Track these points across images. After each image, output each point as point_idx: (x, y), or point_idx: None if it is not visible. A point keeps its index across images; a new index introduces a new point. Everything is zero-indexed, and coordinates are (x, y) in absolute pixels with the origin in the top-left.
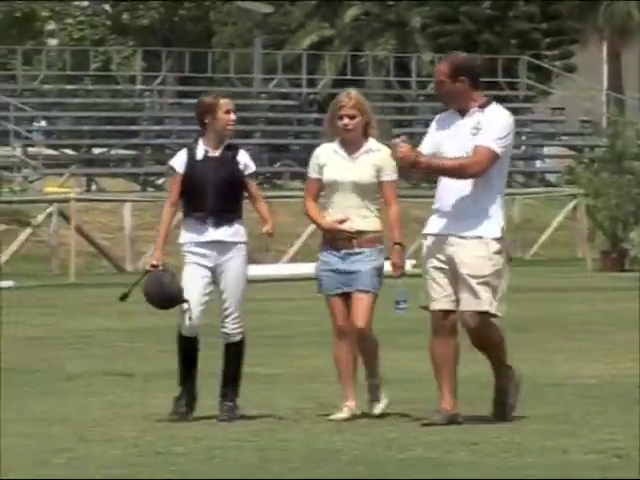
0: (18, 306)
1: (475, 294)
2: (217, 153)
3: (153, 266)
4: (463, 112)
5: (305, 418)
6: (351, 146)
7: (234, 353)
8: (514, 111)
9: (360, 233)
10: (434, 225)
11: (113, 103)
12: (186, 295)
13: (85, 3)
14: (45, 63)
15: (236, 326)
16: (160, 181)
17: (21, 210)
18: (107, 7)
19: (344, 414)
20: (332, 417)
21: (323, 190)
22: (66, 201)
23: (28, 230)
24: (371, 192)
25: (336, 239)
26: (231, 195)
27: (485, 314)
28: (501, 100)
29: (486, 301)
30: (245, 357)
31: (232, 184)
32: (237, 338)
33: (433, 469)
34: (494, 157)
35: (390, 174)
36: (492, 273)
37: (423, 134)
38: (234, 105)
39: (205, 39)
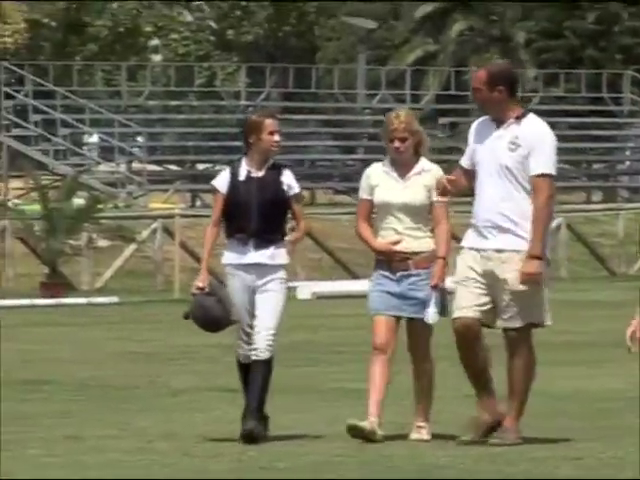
0: (122, 322)
1: (521, 308)
2: (260, 173)
3: (199, 289)
4: (499, 122)
5: (407, 433)
6: (403, 167)
7: (261, 371)
8: (618, 126)
9: (414, 254)
10: (471, 239)
11: (217, 119)
12: (236, 314)
13: (189, 18)
14: (149, 79)
15: (267, 343)
16: None
17: (125, 226)
18: (211, 23)
19: (366, 424)
20: (350, 421)
21: (374, 211)
22: (171, 217)
23: (133, 246)
24: (423, 213)
25: (391, 261)
26: (274, 217)
27: (528, 327)
28: (605, 115)
29: (533, 313)
30: (271, 378)
31: (275, 205)
32: (266, 355)
33: None
34: (553, 181)
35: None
36: (531, 285)
37: None
38: (279, 125)
39: (309, 55)
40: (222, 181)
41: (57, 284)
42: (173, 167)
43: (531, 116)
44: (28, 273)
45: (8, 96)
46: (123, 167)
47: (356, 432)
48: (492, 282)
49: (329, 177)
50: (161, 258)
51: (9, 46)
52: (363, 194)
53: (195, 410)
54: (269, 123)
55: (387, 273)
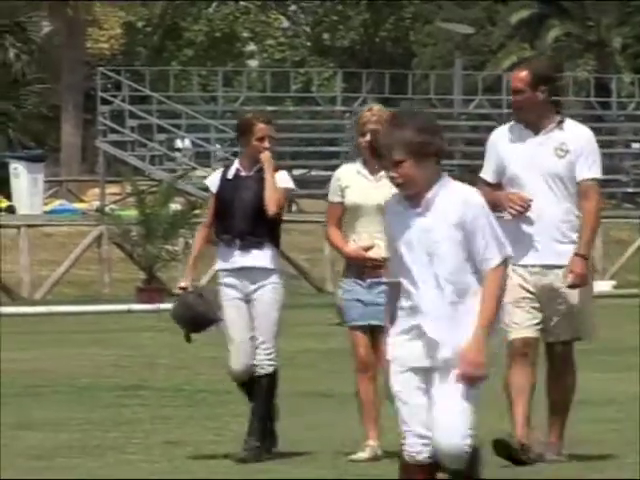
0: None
1: (571, 321)
2: (249, 173)
3: (181, 288)
4: (535, 128)
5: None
6: (375, 167)
7: (264, 386)
8: None
9: (387, 259)
10: (515, 254)
11: (313, 124)
12: (230, 335)
13: (286, 24)
14: (245, 84)
15: (267, 357)
16: None
17: None
18: (307, 28)
19: (366, 454)
20: (353, 457)
21: (345, 214)
22: None
23: None
24: None
25: (362, 267)
26: (260, 218)
27: (573, 341)
28: None
29: (584, 328)
30: (277, 392)
31: (260, 206)
32: (268, 370)
33: None
34: (600, 184)
35: None
36: (582, 299)
37: (624, 154)
38: (273, 129)
39: (405, 60)
40: (213, 180)
41: (154, 289)
42: None
43: (570, 121)
44: (125, 278)
45: (104, 101)
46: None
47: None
48: (548, 297)
49: None
50: None
51: (105, 52)
52: (333, 197)
53: (292, 415)
54: (260, 128)
55: (358, 280)
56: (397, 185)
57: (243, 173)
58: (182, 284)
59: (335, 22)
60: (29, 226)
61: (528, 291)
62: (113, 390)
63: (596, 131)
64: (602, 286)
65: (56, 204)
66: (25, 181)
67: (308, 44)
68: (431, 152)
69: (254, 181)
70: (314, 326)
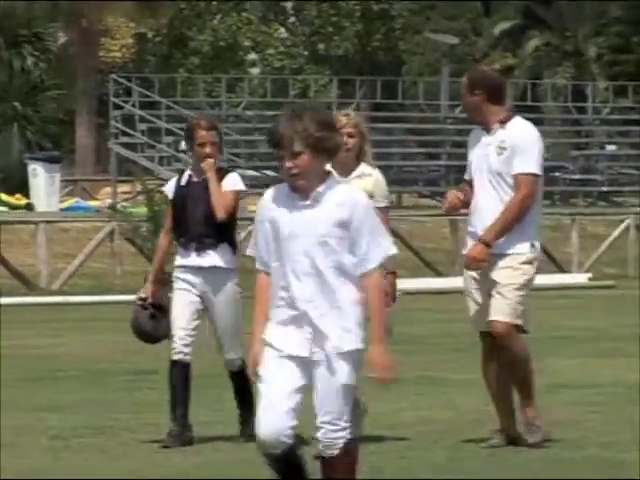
0: None
1: (502, 304)
2: (199, 179)
3: (141, 299)
4: (486, 129)
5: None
6: (343, 170)
7: (237, 381)
8: None
9: None
10: (469, 247)
11: None
12: (173, 320)
13: (285, 34)
14: (247, 90)
15: (233, 354)
16: None
17: None
18: (304, 38)
19: None
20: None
21: None
22: None
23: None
24: None
25: None
26: (213, 221)
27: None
28: None
29: (511, 312)
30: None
31: (212, 210)
32: (236, 366)
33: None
34: (537, 180)
35: (382, 200)
36: (521, 283)
37: (599, 156)
38: (216, 134)
39: (396, 68)
40: (169, 187)
41: (162, 281)
42: (269, 172)
43: (517, 119)
44: (135, 271)
45: (116, 106)
46: None
47: None
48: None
49: (414, 182)
50: None
51: (117, 60)
52: None
53: None
54: (200, 135)
55: None
56: (291, 176)
57: (194, 179)
58: (142, 295)
59: (330, 33)
60: (46, 222)
61: (475, 280)
62: (125, 374)
63: (573, 134)
64: (579, 278)
65: (71, 202)
66: (43, 180)
67: (305, 53)
68: (328, 147)
69: (204, 187)
70: None
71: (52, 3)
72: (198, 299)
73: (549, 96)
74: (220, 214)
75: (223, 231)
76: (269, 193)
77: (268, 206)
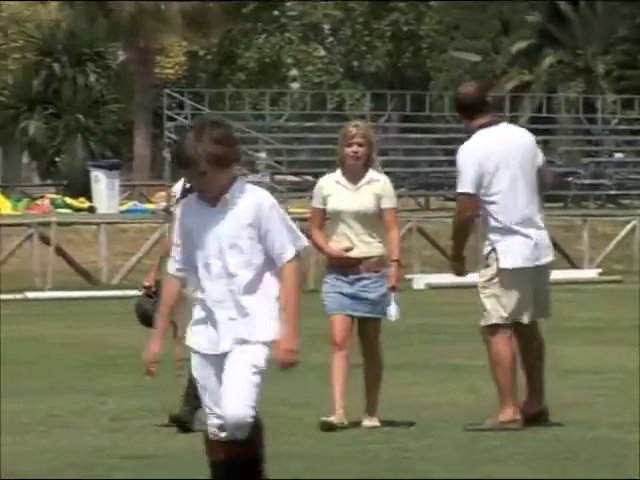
0: None
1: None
2: None
3: (146, 287)
4: None
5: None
6: (353, 177)
7: None
8: None
9: (365, 258)
10: None
11: None
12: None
13: (323, 53)
14: (289, 104)
15: None
16: None
17: None
18: (340, 56)
19: (335, 419)
20: (323, 419)
21: (326, 219)
22: (306, 220)
23: None
24: (373, 219)
25: (343, 265)
26: None
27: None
28: None
29: (483, 315)
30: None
31: None
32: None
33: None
34: (465, 197)
35: (390, 202)
36: (481, 284)
37: (607, 163)
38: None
39: (423, 83)
40: (178, 188)
41: None
42: (309, 178)
43: (477, 134)
44: None
45: (170, 118)
46: (267, 178)
47: (329, 428)
48: None
49: (440, 186)
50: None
51: (170, 76)
52: (316, 203)
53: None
54: None
55: (340, 276)
56: (200, 190)
57: None
58: (146, 283)
59: (364, 51)
60: (107, 223)
61: None
62: (174, 361)
63: (584, 143)
64: (589, 273)
65: (130, 205)
66: (104, 185)
67: (341, 70)
68: (230, 161)
69: None
70: None
71: (113, 24)
72: None
73: (562, 108)
74: None
75: None
76: (182, 203)
77: (182, 214)
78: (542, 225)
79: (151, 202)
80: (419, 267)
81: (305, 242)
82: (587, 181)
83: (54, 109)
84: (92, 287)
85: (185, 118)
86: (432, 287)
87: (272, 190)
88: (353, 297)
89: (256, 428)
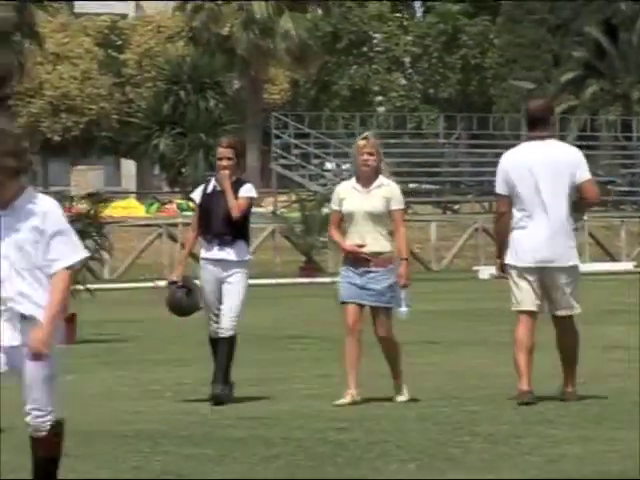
0: None
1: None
2: (221, 188)
3: (172, 282)
4: None
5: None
6: (366, 181)
7: (226, 346)
8: None
9: (375, 254)
10: None
11: (423, 152)
12: (205, 299)
13: (404, 82)
14: (375, 124)
15: (231, 323)
16: (456, 206)
17: None
18: (419, 84)
19: (347, 400)
20: (337, 402)
21: (343, 219)
22: None
23: None
24: (383, 219)
25: (356, 259)
26: (231, 222)
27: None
28: None
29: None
30: (234, 351)
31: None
32: (230, 333)
33: None
34: (498, 197)
35: (397, 204)
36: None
37: None
38: (232, 152)
39: (488, 107)
40: (197, 194)
41: (311, 268)
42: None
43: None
44: (291, 260)
45: (276, 137)
46: None
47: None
48: None
49: None
50: None
51: (277, 101)
52: (334, 206)
53: (407, 357)
54: (219, 151)
55: (352, 268)
56: None
57: (218, 188)
58: (173, 278)
59: (438, 80)
60: None
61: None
62: (283, 338)
63: (621, 157)
64: (626, 266)
65: None
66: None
67: (419, 96)
68: (17, 171)
69: (224, 195)
70: (423, 294)
71: (229, 58)
72: (219, 286)
73: (603, 128)
74: (234, 214)
75: (239, 230)
76: None
77: None
78: (563, 233)
79: (260, 206)
80: (484, 260)
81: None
82: (624, 188)
83: (180, 129)
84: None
85: (289, 136)
86: (495, 277)
87: None
88: (362, 287)
89: (55, 427)
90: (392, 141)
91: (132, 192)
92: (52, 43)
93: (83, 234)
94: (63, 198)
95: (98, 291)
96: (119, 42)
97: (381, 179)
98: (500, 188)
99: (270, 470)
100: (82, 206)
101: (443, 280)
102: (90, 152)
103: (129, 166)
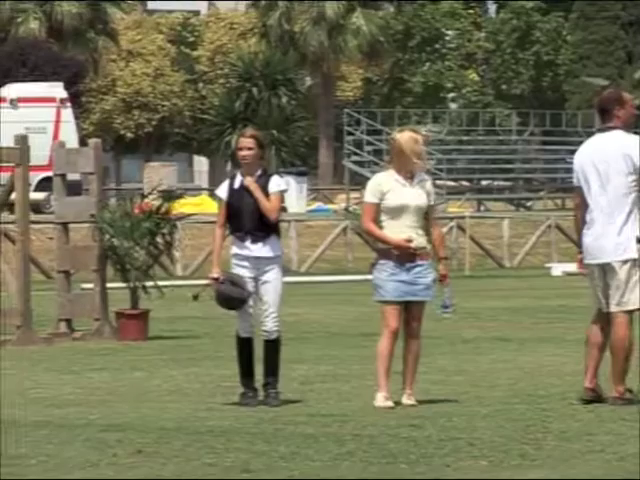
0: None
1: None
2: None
3: (214, 279)
4: None
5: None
6: (408, 177)
7: (274, 348)
8: None
9: (419, 248)
10: None
11: (496, 149)
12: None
13: (477, 78)
14: (448, 121)
15: (275, 325)
16: (529, 203)
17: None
18: (491, 80)
19: (390, 403)
20: (379, 404)
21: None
22: (462, 218)
23: None
24: (423, 214)
25: (403, 255)
26: (263, 217)
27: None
28: None
29: None
30: (281, 353)
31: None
32: (275, 335)
33: None
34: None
35: (434, 200)
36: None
37: None
38: (254, 142)
39: (560, 103)
40: (223, 190)
41: None
42: (465, 183)
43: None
44: (363, 257)
45: (349, 133)
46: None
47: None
48: None
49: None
50: (456, 247)
51: (350, 98)
52: (373, 199)
53: (478, 354)
54: (240, 140)
55: (397, 264)
56: None
57: (245, 183)
58: (214, 275)
59: (511, 77)
60: (296, 221)
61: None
62: (356, 336)
63: None
64: None
65: (315, 205)
66: (293, 189)
67: (492, 92)
68: None
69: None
70: (495, 291)
71: (301, 55)
72: (253, 282)
73: None
74: (272, 217)
75: (271, 225)
76: None
77: None
78: (618, 228)
79: (333, 203)
80: (557, 257)
81: None
82: None
83: (252, 126)
84: (284, 274)
85: (361, 133)
86: (568, 274)
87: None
88: (412, 283)
89: None
90: (465, 138)
91: (204, 189)
92: (125, 40)
93: (154, 231)
94: (135, 195)
95: (169, 287)
96: (192, 39)
97: (421, 174)
98: (576, 181)
99: (343, 467)
100: (153, 202)
101: (515, 277)
102: (163, 149)
103: (201, 163)
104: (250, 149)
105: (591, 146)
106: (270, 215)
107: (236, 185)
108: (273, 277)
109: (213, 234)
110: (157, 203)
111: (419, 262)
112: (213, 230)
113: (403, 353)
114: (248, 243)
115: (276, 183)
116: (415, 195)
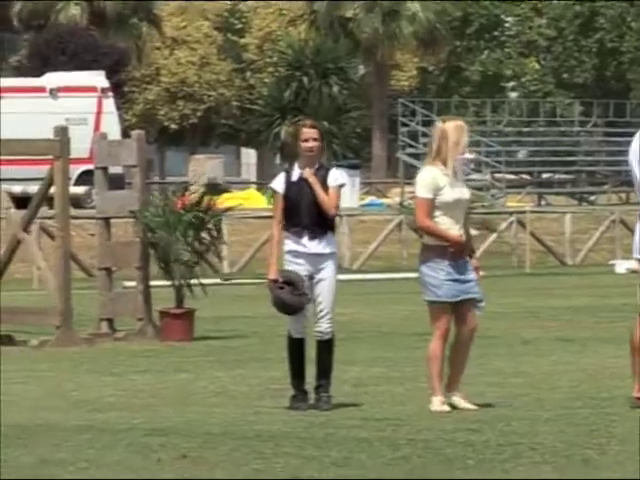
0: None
1: None
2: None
3: (273, 281)
4: None
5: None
6: (454, 173)
7: (327, 349)
8: None
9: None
10: None
11: (557, 140)
12: None
13: (537, 66)
14: (507, 111)
15: (329, 326)
16: (592, 197)
17: (490, 220)
18: (552, 69)
19: (447, 407)
20: (436, 408)
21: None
22: (523, 212)
23: (494, 235)
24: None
25: (457, 252)
26: (321, 212)
27: None
28: None
29: None
30: (334, 354)
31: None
32: (329, 336)
33: None
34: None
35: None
36: None
37: None
38: (317, 132)
39: (625, 93)
40: (279, 183)
41: None
42: (525, 176)
43: None
44: (418, 254)
45: (404, 124)
46: (488, 176)
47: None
48: None
49: None
50: (516, 243)
51: (404, 88)
52: (429, 194)
53: (539, 355)
54: (303, 132)
55: (450, 262)
56: None
57: (304, 176)
58: (272, 276)
59: (573, 65)
60: (349, 215)
61: None
62: (410, 336)
63: None
64: None
65: (368, 199)
66: (346, 183)
67: (553, 81)
68: None
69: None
70: (556, 289)
71: (354, 43)
72: (307, 281)
73: None
74: (331, 212)
75: (329, 221)
76: None
77: None
78: None
79: (387, 197)
80: (621, 254)
81: None
82: None
83: (302, 116)
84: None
85: (417, 124)
86: (632, 271)
87: (492, 187)
88: (463, 281)
89: None
90: (525, 129)
91: (252, 182)
92: (169, 27)
93: (197, 225)
94: (179, 189)
95: (215, 286)
96: (239, 26)
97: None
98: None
99: (397, 473)
100: (193, 195)
101: (578, 275)
102: (209, 141)
103: (249, 155)
104: (315, 140)
105: None
106: (329, 210)
107: (294, 177)
108: (328, 275)
109: (270, 231)
110: (197, 196)
111: (467, 259)
112: (261, 225)
113: (449, 354)
114: (305, 240)
115: (335, 177)
116: (463, 189)
